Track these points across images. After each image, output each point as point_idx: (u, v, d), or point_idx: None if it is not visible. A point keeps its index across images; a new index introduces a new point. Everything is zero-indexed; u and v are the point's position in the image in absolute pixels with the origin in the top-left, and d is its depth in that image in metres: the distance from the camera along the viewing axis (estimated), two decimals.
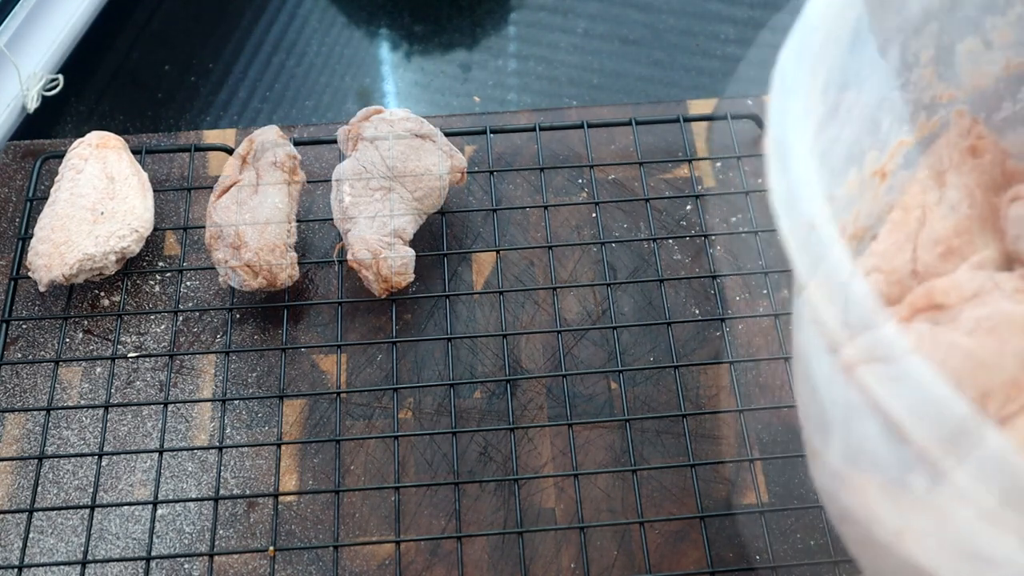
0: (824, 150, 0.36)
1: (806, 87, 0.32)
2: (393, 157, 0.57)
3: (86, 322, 0.58)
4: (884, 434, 0.29)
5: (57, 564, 0.49)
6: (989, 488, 0.24)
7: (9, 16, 0.68)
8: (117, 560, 0.49)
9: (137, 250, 0.58)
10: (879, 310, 0.26)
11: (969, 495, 0.24)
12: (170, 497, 0.51)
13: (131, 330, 0.57)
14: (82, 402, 0.55)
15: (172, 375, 0.56)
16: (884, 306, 0.37)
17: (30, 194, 0.62)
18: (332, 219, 0.58)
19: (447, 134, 0.61)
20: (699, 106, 0.67)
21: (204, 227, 0.58)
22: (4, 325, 0.57)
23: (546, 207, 0.61)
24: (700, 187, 0.63)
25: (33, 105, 0.67)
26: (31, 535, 0.50)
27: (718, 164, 0.64)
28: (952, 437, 0.25)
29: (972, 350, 0.34)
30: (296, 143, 0.62)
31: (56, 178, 0.59)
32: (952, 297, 0.35)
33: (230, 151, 0.63)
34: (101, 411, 0.54)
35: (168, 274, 0.60)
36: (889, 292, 0.38)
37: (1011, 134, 0.43)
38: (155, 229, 0.60)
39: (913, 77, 0.40)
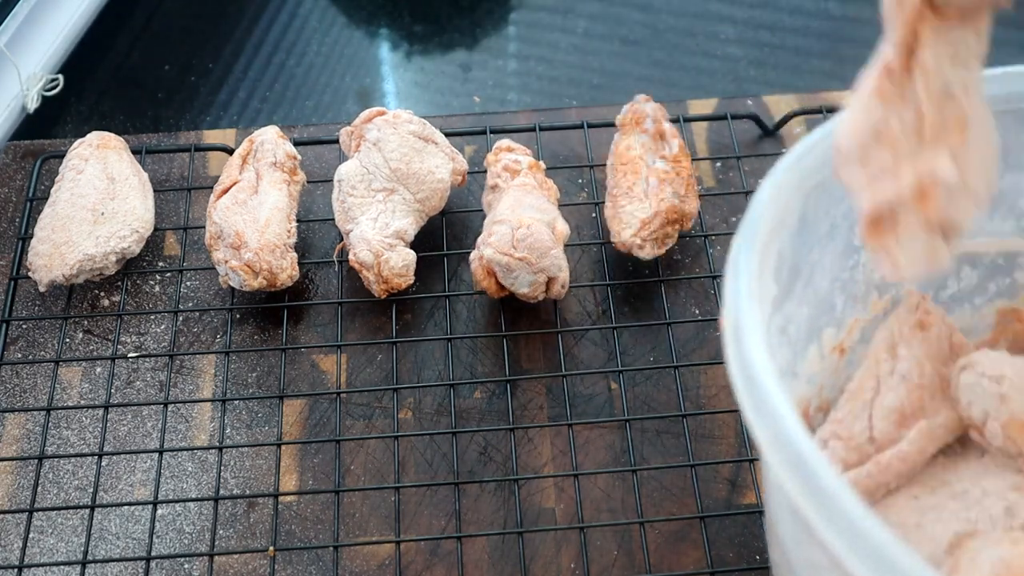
0: (782, 327, 0.39)
1: (757, 269, 0.34)
2: (396, 159, 0.57)
3: (86, 322, 0.58)
4: None
5: (57, 564, 0.49)
6: None
7: (9, 16, 0.68)
8: (117, 560, 0.49)
9: (137, 250, 0.58)
10: (836, 481, 0.28)
11: None
12: (170, 497, 0.51)
13: (131, 330, 0.57)
14: (82, 402, 0.55)
15: (172, 375, 0.56)
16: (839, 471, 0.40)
17: (30, 194, 0.62)
18: (332, 219, 0.58)
19: (447, 134, 0.61)
20: (699, 106, 0.67)
21: (204, 227, 0.58)
22: (4, 325, 0.57)
23: None
24: (700, 187, 0.63)
25: (33, 105, 0.67)
26: (31, 535, 0.50)
27: (718, 164, 0.64)
28: None
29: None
30: (296, 143, 0.62)
31: (56, 178, 0.59)
32: None
33: (230, 151, 0.63)
34: (101, 411, 0.54)
35: (168, 274, 0.60)
36: (847, 457, 0.41)
37: (957, 310, 0.47)
38: (155, 229, 0.60)
39: (862, 259, 0.43)
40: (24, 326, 0.58)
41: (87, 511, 0.51)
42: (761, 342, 0.32)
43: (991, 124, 0.33)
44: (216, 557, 0.49)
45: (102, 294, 0.59)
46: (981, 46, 0.32)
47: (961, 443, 0.43)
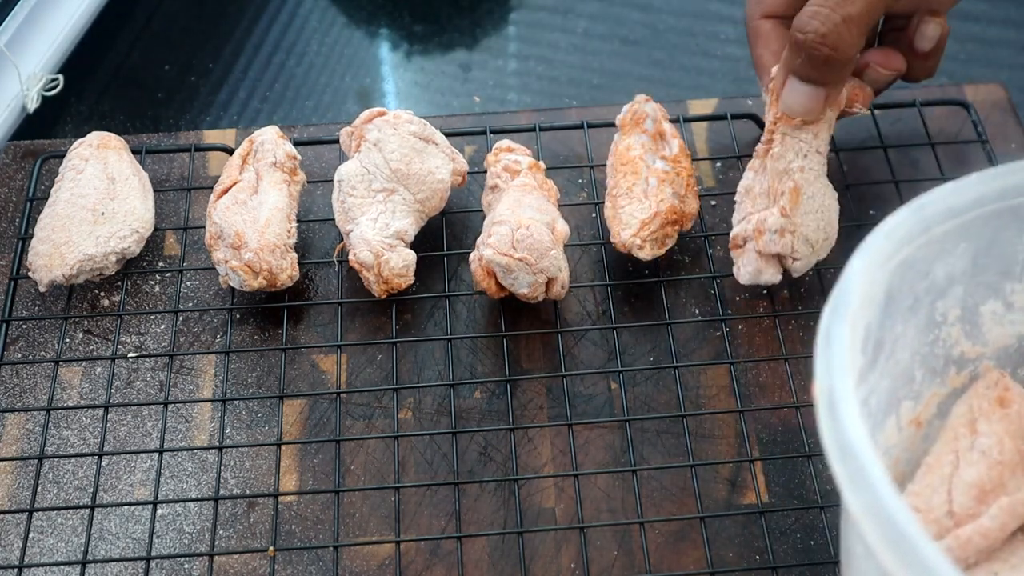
0: (863, 399, 0.40)
1: (847, 342, 0.35)
2: (396, 159, 0.57)
3: (86, 322, 0.58)
4: None
5: (57, 564, 0.49)
6: None
7: (9, 16, 0.68)
8: (117, 560, 0.49)
9: (137, 250, 0.58)
10: (936, 554, 0.29)
11: None
12: (170, 497, 0.51)
13: (131, 330, 0.57)
14: (82, 402, 0.55)
15: (172, 375, 0.56)
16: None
17: (30, 194, 0.62)
18: (332, 219, 0.58)
19: (447, 134, 0.61)
20: (699, 106, 0.67)
21: (204, 227, 0.58)
22: (4, 325, 0.57)
23: None
24: (700, 187, 0.63)
25: (33, 105, 0.67)
26: (31, 535, 0.50)
27: (718, 164, 0.64)
28: None
29: None
30: (296, 143, 0.62)
31: (56, 178, 0.59)
32: None
33: (230, 151, 0.63)
34: (101, 411, 0.54)
35: (168, 274, 0.60)
36: (926, 530, 0.41)
37: None
38: (155, 229, 0.60)
39: (942, 334, 0.44)
40: (24, 326, 0.58)
41: (87, 511, 0.51)
42: (856, 414, 0.33)
43: (829, 198, 0.54)
44: (216, 557, 0.49)
45: (102, 294, 0.59)
46: (820, 143, 0.54)
47: None
